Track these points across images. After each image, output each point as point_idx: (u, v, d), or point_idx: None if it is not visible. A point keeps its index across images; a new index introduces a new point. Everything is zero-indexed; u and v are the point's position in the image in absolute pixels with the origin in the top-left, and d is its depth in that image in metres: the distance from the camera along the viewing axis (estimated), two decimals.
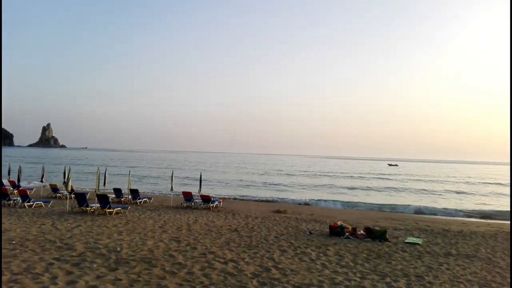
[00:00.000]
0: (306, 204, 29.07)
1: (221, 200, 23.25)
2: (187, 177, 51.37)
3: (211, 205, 21.60)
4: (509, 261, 11.59)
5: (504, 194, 42.47)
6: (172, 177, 23.62)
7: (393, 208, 28.30)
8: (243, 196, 33.45)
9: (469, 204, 33.70)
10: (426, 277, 9.24)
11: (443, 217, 24.33)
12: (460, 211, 27.15)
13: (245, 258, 10.20)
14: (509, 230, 18.06)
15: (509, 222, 23.26)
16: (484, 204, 34.08)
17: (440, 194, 41.37)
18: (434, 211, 26.74)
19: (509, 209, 24.81)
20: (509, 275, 9.92)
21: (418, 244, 13.60)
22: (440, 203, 33.08)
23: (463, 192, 44.44)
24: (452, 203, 34.05)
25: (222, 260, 9.85)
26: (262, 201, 30.24)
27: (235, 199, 30.89)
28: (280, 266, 9.53)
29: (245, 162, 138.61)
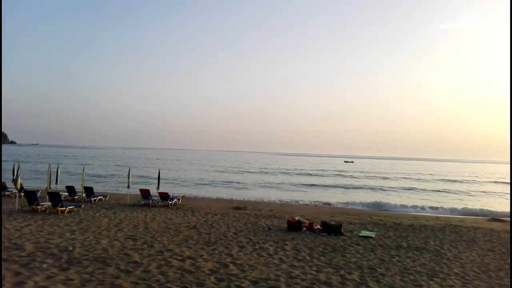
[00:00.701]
0: (266, 200, 29.33)
1: (180, 198, 22.95)
2: (141, 176, 50.22)
3: (170, 202, 21.28)
4: (456, 252, 12.31)
5: (451, 190, 44.91)
6: (129, 174, 23.03)
7: (348, 203, 29.20)
8: (203, 193, 33.21)
9: (419, 199, 35.37)
10: (378, 269, 9.62)
11: (395, 212, 25.43)
12: (411, 206, 28.46)
13: (203, 255, 10.15)
14: (456, 223, 19.16)
15: (457, 216, 24.70)
16: (431, 199, 35.94)
17: (393, 190, 43.12)
18: (386, 206, 27.89)
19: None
20: (455, 265, 10.53)
21: (371, 237, 14.12)
22: (392, 198, 34.53)
23: (414, 188, 46.61)
24: (403, 198, 35.63)
25: (179, 258, 9.74)
26: (222, 198, 30.18)
27: (195, 196, 30.60)
28: (238, 262, 9.57)
29: (205, 159, 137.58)
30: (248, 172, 67.21)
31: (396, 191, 42.25)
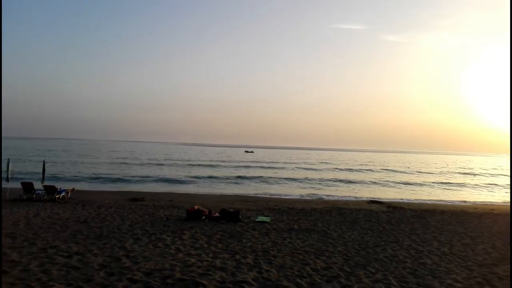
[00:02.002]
0: (166, 191, 28.73)
1: (69, 191, 21.20)
2: (28, 172, 45.31)
3: (58, 196, 19.56)
4: (340, 232, 13.50)
5: (342, 180, 48.94)
6: (8, 166, 20.53)
7: (246, 190, 30.11)
8: (96, 187, 31.20)
9: (311, 186, 37.94)
10: (271, 252, 10.12)
11: (289, 197, 26.93)
12: (308, 194, 30.43)
13: (93, 250, 9.57)
14: (341, 206, 21.01)
15: (343, 199, 27.02)
16: (322, 184, 38.92)
17: (290, 177, 45.52)
18: (282, 192, 29.45)
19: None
20: (339, 244, 11.56)
21: (266, 222, 14.78)
22: (289, 185, 36.54)
23: (310, 170, 49.88)
24: (299, 184, 37.90)
25: (66, 254, 9.05)
26: (118, 190, 28.70)
27: (87, 190, 28.56)
28: (131, 255, 9.23)
29: (103, 149, 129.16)
30: (147, 163, 64.89)
31: (293, 177, 44.68)
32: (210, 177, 42.18)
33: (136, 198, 21.43)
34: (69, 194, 20.79)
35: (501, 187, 42.77)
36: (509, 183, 48.45)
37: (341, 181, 43.22)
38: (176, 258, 9.11)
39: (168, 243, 10.67)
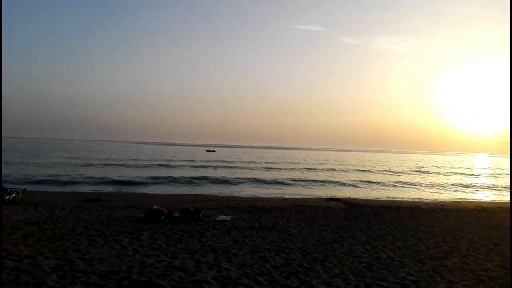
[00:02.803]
0: (124, 191, 27.98)
1: (20, 191, 20.13)
2: None
3: (7, 197, 18.51)
4: (299, 229, 13.70)
5: (302, 179, 49.68)
6: None
7: (207, 189, 29.93)
8: (50, 188, 29.84)
9: (272, 184, 38.30)
10: (231, 250, 10.11)
11: (250, 196, 27.05)
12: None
13: (45, 253, 9.13)
14: (301, 204, 21.35)
15: (302, 197, 27.48)
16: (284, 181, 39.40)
17: (251, 176, 45.71)
18: (243, 191, 29.53)
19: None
20: (298, 241, 11.73)
21: (227, 221, 14.75)
22: (250, 183, 36.67)
23: (271, 170, 50.32)
24: (260, 182, 38.14)
25: (15, 258, 8.58)
26: (73, 191, 27.62)
27: (40, 191, 27.26)
28: (86, 257, 8.90)
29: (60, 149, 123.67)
30: (102, 162, 62.87)
31: (254, 175, 44.89)
32: (170, 176, 41.48)
33: (92, 199, 20.71)
34: (20, 195, 19.74)
35: (451, 185, 45.13)
36: (458, 180, 51.27)
37: (301, 179, 43.90)
38: (134, 259, 8.89)
39: (125, 244, 10.38)
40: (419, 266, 9.26)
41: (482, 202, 27.82)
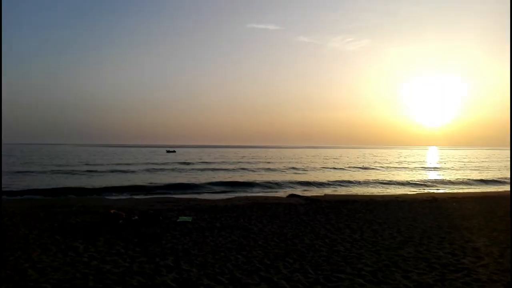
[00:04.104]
0: (78, 197, 26.91)
1: None
2: None
3: None
4: (261, 226, 13.79)
5: (263, 177, 49.92)
6: None
7: (166, 191, 29.49)
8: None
9: (233, 184, 38.27)
10: (192, 251, 10.02)
11: (211, 196, 26.90)
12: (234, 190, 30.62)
13: None
14: (262, 201, 21.50)
15: (263, 194, 27.65)
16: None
17: (212, 176, 45.45)
18: (203, 190, 29.41)
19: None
20: (259, 238, 11.80)
21: (188, 221, 14.58)
22: (211, 183, 36.43)
23: (233, 170, 50.26)
24: (221, 181, 37.98)
25: None
26: (23, 198, 26.20)
27: None
28: (39, 266, 8.50)
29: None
30: (54, 169, 60.12)
31: (215, 175, 44.63)
32: (130, 179, 40.38)
33: (45, 205, 19.75)
34: None
35: (406, 180, 47.12)
36: (412, 174, 53.68)
37: (262, 178, 44.20)
38: (89, 266, 8.59)
39: (81, 251, 10.00)
40: (376, 257, 9.61)
41: (433, 193, 29.27)
